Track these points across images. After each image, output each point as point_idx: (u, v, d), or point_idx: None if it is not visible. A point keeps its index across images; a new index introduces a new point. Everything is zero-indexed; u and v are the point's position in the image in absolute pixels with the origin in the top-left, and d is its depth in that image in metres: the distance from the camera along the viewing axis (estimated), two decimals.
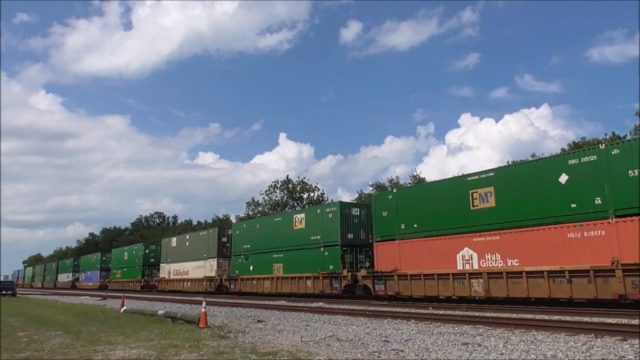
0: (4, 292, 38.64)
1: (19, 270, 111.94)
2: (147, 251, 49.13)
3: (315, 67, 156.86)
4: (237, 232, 34.91)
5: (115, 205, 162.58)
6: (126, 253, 53.66)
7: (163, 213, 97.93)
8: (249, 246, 33.05)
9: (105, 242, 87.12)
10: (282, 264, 29.59)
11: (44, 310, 20.96)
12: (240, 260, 33.57)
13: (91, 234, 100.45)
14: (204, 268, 37.45)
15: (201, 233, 40.42)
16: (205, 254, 37.42)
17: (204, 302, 13.30)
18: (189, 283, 39.36)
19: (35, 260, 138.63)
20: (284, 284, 28.87)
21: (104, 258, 60.50)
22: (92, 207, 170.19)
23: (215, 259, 35.76)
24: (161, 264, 45.27)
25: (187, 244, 41.02)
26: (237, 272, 33.65)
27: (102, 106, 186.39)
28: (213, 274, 35.93)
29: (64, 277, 72.62)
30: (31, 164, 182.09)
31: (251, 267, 32.37)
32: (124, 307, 18.92)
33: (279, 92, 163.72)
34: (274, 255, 30.23)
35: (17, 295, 40.71)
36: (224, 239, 36.28)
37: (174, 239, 44.68)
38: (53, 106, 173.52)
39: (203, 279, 37.16)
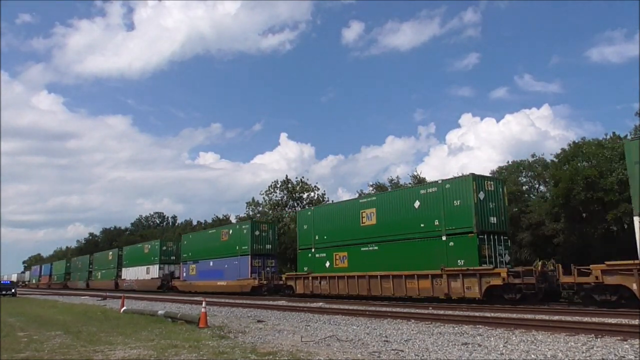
0: (3, 292, 38.61)
1: (41, 267, 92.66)
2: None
3: (316, 68, 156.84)
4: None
5: (116, 206, 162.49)
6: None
7: (163, 213, 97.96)
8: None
9: (105, 242, 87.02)
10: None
11: (44, 310, 20.95)
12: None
13: (91, 234, 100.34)
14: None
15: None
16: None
17: (203, 302, 13.31)
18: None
19: (35, 260, 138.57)
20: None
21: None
22: (93, 207, 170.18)
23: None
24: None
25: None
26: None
27: (103, 106, 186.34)
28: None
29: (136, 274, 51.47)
30: (32, 164, 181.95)
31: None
32: (124, 307, 18.92)
33: (280, 93, 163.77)
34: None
35: (18, 295, 40.73)
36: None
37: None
38: (55, 106, 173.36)
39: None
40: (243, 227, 35.19)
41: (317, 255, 27.76)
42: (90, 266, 65.83)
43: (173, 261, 46.95)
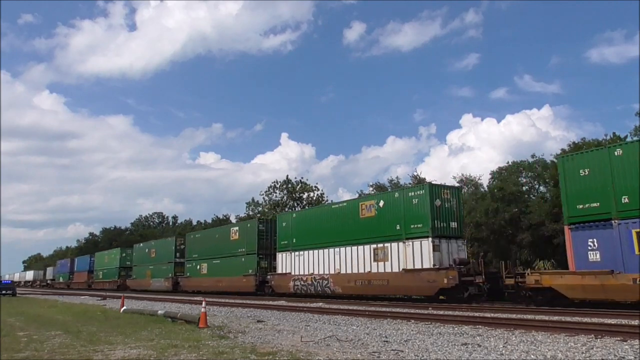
0: (3, 292, 38.58)
1: (72, 261, 71.44)
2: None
3: (317, 68, 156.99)
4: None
5: (117, 205, 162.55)
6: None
7: (163, 213, 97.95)
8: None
9: (105, 242, 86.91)
10: None
11: (43, 310, 20.95)
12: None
13: (91, 234, 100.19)
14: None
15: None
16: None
17: (203, 302, 13.30)
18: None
19: (35, 260, 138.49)
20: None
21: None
22: (93, 207, 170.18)
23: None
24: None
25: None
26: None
27: (105, 106, 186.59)
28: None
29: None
30: (33, 163, 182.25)
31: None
32: (124, 307, 18.92)
33: (281, 93, 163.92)
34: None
35: (18, 295, 40.72)
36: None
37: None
38: (56, 106, 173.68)
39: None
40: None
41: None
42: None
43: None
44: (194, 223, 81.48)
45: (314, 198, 54.30)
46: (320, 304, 21.35)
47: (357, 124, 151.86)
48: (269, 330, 11.90)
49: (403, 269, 21.78)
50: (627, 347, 8.27)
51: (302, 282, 27.44)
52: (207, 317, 12.72)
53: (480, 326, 11.55)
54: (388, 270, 22.52)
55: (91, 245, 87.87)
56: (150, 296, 34.44)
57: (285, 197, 55.14)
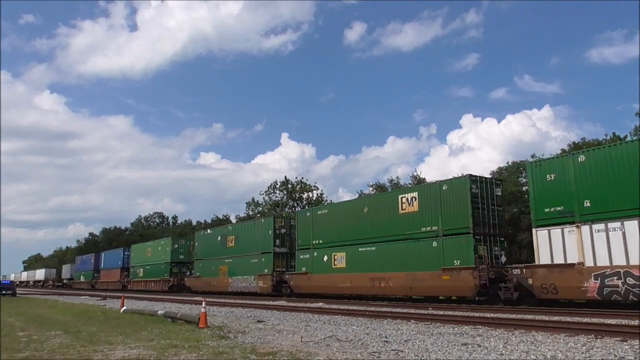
0: (3, 292, 38.57)
1: (98, 256, 61.14)
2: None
3: (318, 68, 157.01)
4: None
5: (117, 205, 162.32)
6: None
7: (163, 213, 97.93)
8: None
9: (105, 242, 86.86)
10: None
11: (43, 310, 20.95)
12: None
13: (91, 234, 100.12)
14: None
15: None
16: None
17: (203, 302, 13.30)
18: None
19: (35, 260, 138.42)
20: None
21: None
22: (94, 206, 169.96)
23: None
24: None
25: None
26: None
27: (105, 106, 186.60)
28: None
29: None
30: (34, 163, 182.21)
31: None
32: (124, 307, 18.92)
33: (282, 93, 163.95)
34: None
35: (18, 295, 40.71)
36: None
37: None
38: (57, 106, 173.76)
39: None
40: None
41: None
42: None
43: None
44: (194, 223, 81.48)
45: (314, 198, 54.35)
46: (320, 304, 21.34)
47: (358, 124, 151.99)
48: (269, 330, 11.90)
49: None
50: (627, 347, 8.27)
51: None
52: (207, 317, 12.72)
53: (480, 326, 11.55)
54: None
55: (91, 246, 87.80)
56: (150, 296, 34.34)
57: (285, 197, 55.18)
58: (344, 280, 25.07)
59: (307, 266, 27.90)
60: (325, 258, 26.78)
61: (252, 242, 32.41)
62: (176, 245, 43.18)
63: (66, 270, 74.51)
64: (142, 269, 47.49)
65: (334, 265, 26.02)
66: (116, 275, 52.84)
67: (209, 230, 39.59)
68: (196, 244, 39.37)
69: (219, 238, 36.52)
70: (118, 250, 55.85)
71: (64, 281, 73.20)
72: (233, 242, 34.62)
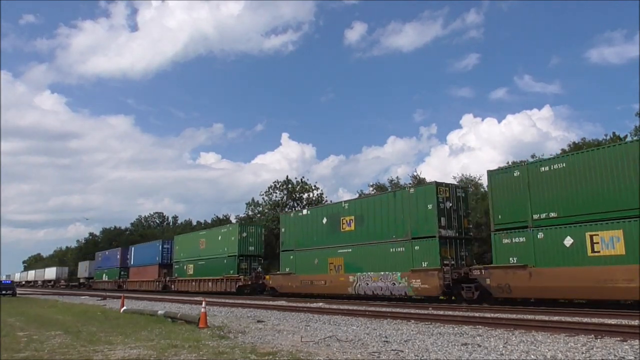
0: (3, 292, 38.57)
1: (127, 249, 50.72)
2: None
3: (318, 68, 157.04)
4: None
5: (117, 205, 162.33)
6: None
7: (163, 213, 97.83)
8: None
9: (105, 242, 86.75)
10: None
11: (43, 310, 20.95)
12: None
13: (91, 234, 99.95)
14: None
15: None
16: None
17: (203, 302, 13.30)
18: None
19: (35, 260, 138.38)
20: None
21: None
22: (94, 207, 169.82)
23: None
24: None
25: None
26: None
27: (106, 106, 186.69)
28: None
29: None
30: (34, 163, 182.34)
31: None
32: (124, 307, 18.92)
33: (282, 93, 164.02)
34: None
35: (19, 295, 40.71)
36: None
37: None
38: (57, 106, 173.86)
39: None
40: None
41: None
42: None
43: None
44: (194, 223, 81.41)
45: (314, 198, 54.31)
46: (321, 304, 21.34)
47: (358, 124, 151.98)
48: (269, 330, 11.90)
49: None
50: (627, 347, 8.27)
51: None
52: (207, 317, 12.72)
53: (480, 326, 11.55)
54: None
55: (91, 246, 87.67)
56: (150, 296, 34.29)
57: (285, 198, 55.13)
58: None
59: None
60: None
61: (391, 224, 23.25)
62: (244, 234, 33.60)
63: (83, 269, 64.01)
64: (192, 265, 37.85)
65: None
66: (152, 273, 42.63)
67: (304, 211, 29.51)
68: (282, 229, 30.39)
69: (324, 220, 27.19)
70: (154, 244, 45.06)
71: (81, 281, 64.15)
72: (352, 225, 25.48)
